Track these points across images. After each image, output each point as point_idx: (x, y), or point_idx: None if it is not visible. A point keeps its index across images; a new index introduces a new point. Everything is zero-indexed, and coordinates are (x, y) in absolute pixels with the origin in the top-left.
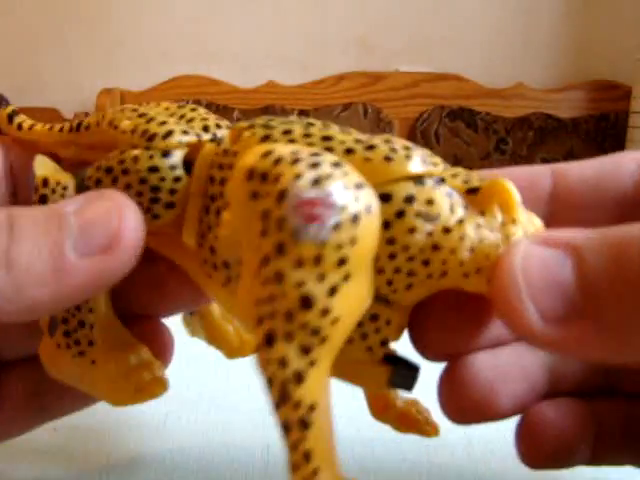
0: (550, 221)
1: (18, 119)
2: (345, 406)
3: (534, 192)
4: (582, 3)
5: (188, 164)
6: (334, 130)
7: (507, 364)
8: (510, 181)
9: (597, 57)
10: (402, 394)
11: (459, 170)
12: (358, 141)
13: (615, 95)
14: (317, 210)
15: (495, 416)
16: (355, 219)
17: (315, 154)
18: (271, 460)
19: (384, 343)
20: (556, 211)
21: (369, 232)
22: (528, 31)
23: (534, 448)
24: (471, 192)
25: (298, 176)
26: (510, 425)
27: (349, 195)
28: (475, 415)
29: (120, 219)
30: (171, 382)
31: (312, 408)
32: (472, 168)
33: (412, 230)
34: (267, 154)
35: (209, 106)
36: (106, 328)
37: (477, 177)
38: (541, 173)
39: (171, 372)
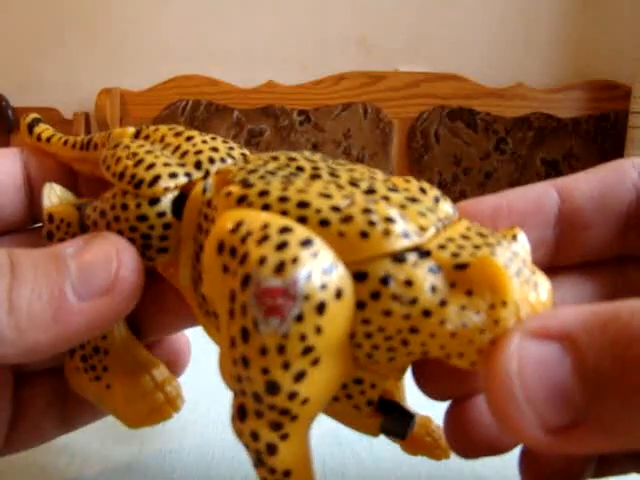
0: (559, 242)
1: (38, 129)
2: None
3: (542, 216)
4: (582, 3)
5: (180, 204)
6: (315, 189)
7: None
8: (507, 245)
9: (597, 57)
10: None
11: (453, 232)
12: (335, 209)
13: (615, 95)
14: (278, 301)
15: (504, 450)
16: (320, 308)
17: (285, 229)
18: None
19: (370, 403)
20: (564, 232)
21: (337, 320)
22: (528, 31)
23: (541, 473)
24: (459, 268)
25: (262, 260)
26: None
27: (315, 282)
28: (483, 451)
29: (119, 263)
30: None
31: (286, 474)
32: (472, 168)
33: (388, 313)
34: (237, 227)
35: (209, 106)
36: (121, 352)
37: (473, 242)
38: (546, 194)
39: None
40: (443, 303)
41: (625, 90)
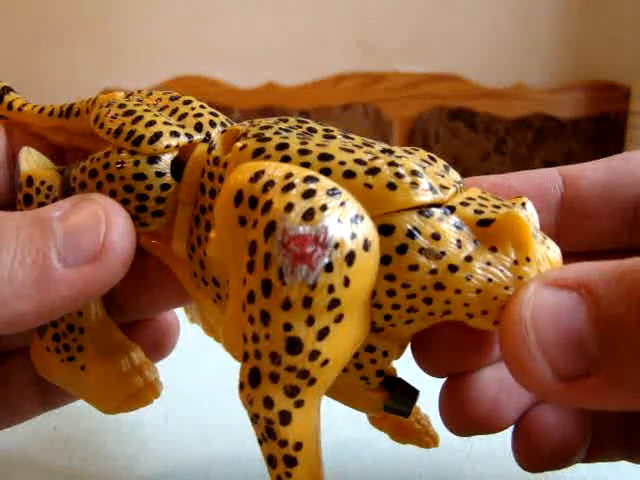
0: (559, 228)
1: (8, 98)
2: (346, 408)
3: (543, 201)
4: (582, 3)
5: (179, 165)
6: (334, 144)
7: (509, 377)
8: (525, 212)
9: (597, 57)
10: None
11: (473, 192)
12: (359, 161)
13: (614, 95)
14: (307, 249)
15: (500, 428)
16: (350, 258)
17: (309, 178)
18: None
19: (380, 373)
20: (566, 218)
21: (365, 272)
22: (528, 31)
23: (533, 452)
24: (483, 224)
25: (289, 207)
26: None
27: (344, 231)
28: (480, 428)
29: (108, 226)
30: (171, 382)
31: (298, 446)
32: (472, 168)
33: (414, 267)
34: (257, 176)
35: (209, 106)
36: (97, 331)
37: (492, 203)
38: (551, 179)
39: (171, 372)
40: (469, 258)
41: (625, 90)
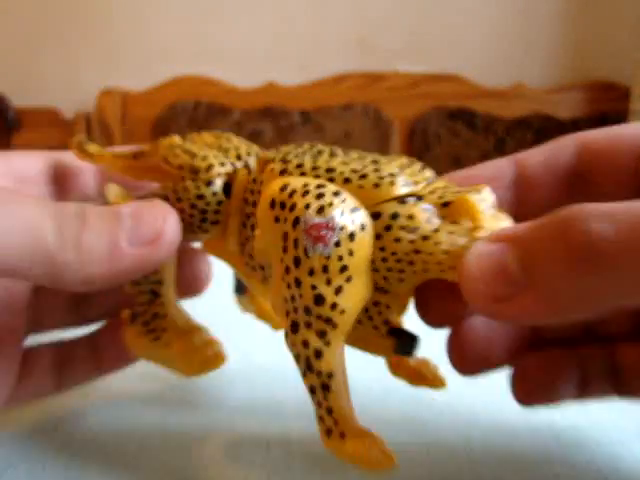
0: (517, 200)
1: (90, 147)
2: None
3: (500, 181)
4: (582, 3)
5: (228, 186)
6: (336, 160)
7: (494, 321)
8: (477, 193)
9: (597, 57)
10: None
11: (438, 185)
12: (354, 171)
13: (614, 95)
14: (322, 232)
15: (494, 364)
16: (352, 236)
17: (320, 186)
18: (271, 460)
19: (386, 322)
20: (522, 194)
21: (363, 245)
22: (528, 31)
23: (526, 390)
24: (445, 205)
25: (307, 206)
26: (508, 428)
27: (346, 218)
28: (478, 364)
29: (164, 221)
30: (171, 382)
31: (330, 376)
32: None
33: (398, 240)
34: (284, 187)
35: (209, 106)
36: (174, 317)
37: (452, 190)
38: (505, 164)
39: (172, 374)
40: (436, 230)
41: (624, 90)
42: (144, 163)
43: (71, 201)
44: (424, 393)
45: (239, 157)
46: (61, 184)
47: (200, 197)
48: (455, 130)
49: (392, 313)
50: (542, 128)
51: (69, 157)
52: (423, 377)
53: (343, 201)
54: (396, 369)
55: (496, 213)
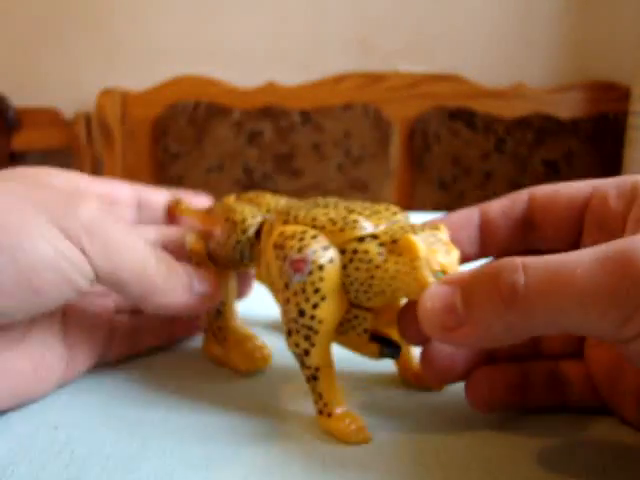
0: (483, 242)
1: (182, 206)
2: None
3: (469, 226)
4: (582, 3)
5: (258, 232)
6: (322, 212)
7: None
8: (416, 236)
9: (597, 57)
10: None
11: (398, 225)
12: (330, 219)
13: (614, 95)
14: (299, 265)
15: (457, 377)
16: (321, 267)
17: (304, 232)
18: (271, 460)
19: (366, 331)
20: (485, 236)
21: (331, 274)
22: (528, 31)
23: (475, 397)
24: (394, 242)
25: (292, 247)
26: (508, 428)
27: (317, 255)
28: (444, 376)
29: (214, 282)
30: (171, 383)
31: (317, 369)
32: (472, 168)
33: (357, 269)
34: (281, 234)
35: (209, 106)
36: (234, 328)
37: (405, 230)
38: (472, 212)
39: (172, 374)
40: (385, 261)
41: (624, 91)
42: (213, 216)
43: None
44: (425, 394)
45: (268, 210)
46: (141, 209)
47: (239, 242)
48: (455, 130)
49: (368, 323)
50: (542, 128)
51: (149, 191)
52: (424, 380)
53: (317, 242)
54: (403, 374)
55: (448, 248)
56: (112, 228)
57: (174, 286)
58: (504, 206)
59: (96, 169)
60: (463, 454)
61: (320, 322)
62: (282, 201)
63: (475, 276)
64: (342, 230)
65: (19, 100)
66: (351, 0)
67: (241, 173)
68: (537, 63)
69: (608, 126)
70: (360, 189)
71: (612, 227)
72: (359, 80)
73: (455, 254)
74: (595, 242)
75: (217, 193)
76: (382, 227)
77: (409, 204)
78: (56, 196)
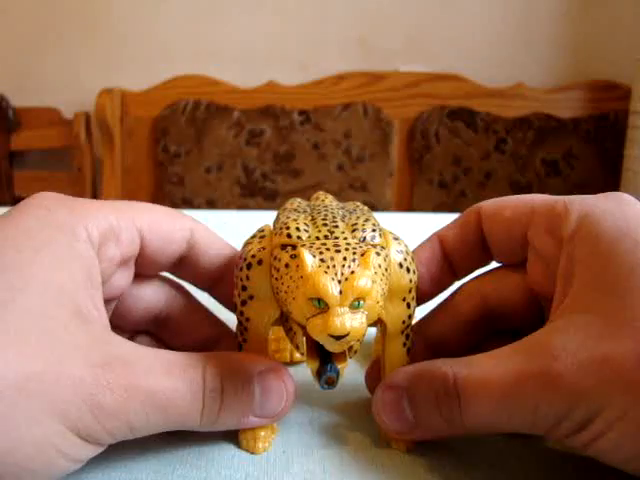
0: (449, 267)
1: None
2: (346, 407)
3: (431, 252)
4: (582, 3)
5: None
6: (287, 219)
7: None
8: (305, 251)
9: (597, 57)
10: None
11: (330, 242)
12: (280, 224)
13: (615, 95)
14: (238, 261)
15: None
16: (249, 266)
17: (261, 237)
18: (271, 460)
19: (297, 347)
20: (447, 258)
21: (257, 273)
22: (528, 31)
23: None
24: (293, 256)
25: (241, 255)
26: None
27: (250, 253)
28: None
29: (287, 399)
30: None
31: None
32: (472, 168)
33: (272, 275)
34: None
35: (209, 106)
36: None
37: (338, 245)
38: (434, 242)
39: None
40: (286, 273)
41: (625, 90)
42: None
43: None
44: None
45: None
46: (191, 252)
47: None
48: (455, 130)
49: (298, 339)
50: (542, 128)
51: (202, 231)
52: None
53: (259, 243)
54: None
55: (365, 270)
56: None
57: (227, 422)
58: (456, 235)
59: (95, 169)
60: (467, 457)
61: (247, 320)
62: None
63: (415, 378)
64: (275, 234)
65: (19, 100)
66: (351, 0)
67: (241, 173)
68: (537, 63)
69: (608, 126)
70: (360, 189)
71: (550, 254)
72: (359, 80)
73: (358, 279)
74: (535, 263)
75: (217, 193)
76: (305, 239)
77: (409, 204)
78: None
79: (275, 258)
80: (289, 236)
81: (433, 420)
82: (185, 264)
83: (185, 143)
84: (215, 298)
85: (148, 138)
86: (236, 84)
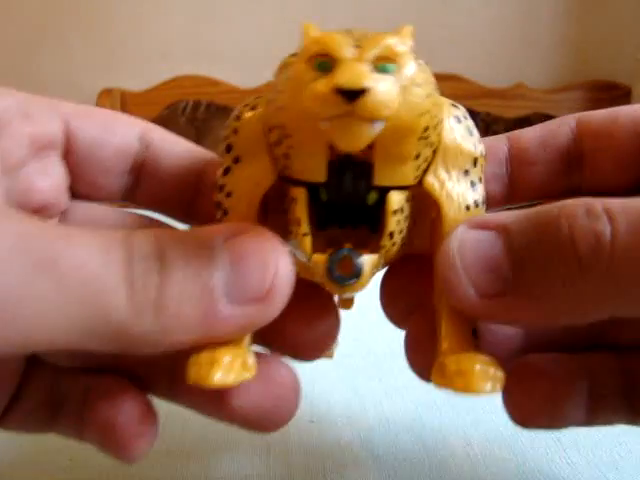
0: (511, 177)
1: None
2: (346, 408)
3: (493, 155)
4: (582, 3)
5: None
6: None
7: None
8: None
9: (597, 57)
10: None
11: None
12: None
13: (615, 95)
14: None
15: None
16: (238, 117)
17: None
18: (271, 461)
19: (300, 242)
20: (514, 168)
21: (247, 124)
22: (528, 31)
23: (525, 401)
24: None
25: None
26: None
27: (242, 105)
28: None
29: (276, 269)
30: None
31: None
32: None
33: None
34: None
35: (209, 106)
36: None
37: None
38: (498, 141)
39: None
40: (286, 66)
41: (625, 90)
42: None
43: (144, 229)
44: (425, 394)
45: None
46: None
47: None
48: None
49: (297, 213)
50: None
51: (159, 130)
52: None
53: (253, 100)
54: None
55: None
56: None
57: (181, 310)
58: (542, 135)
59: None
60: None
61: (229, 195)
62: None
63: (527, 221)
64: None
65: None
66: (351, 0)
67: None
68: (537, 63)
69: None
70: None
71: None
72: None
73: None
74: None
75: None
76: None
77: None
78: None
79: (274, 77)
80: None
81: (549, 284)
82: (143, 176)
83: None
84: (194, 225)
85: None
86: (236, 84)
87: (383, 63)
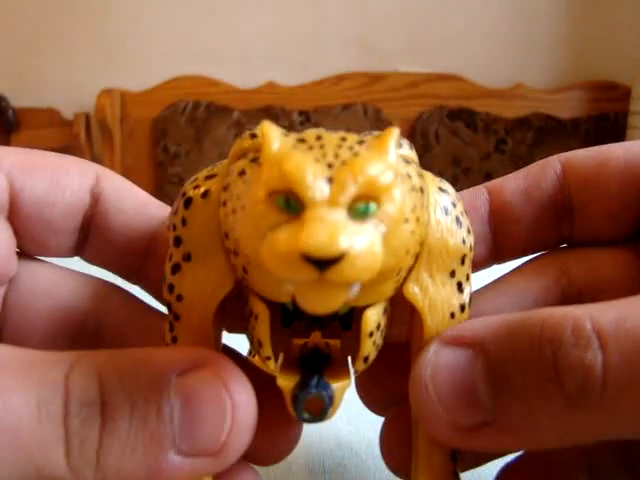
0: (495, 236)
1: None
2: (345, 407)
3: (474, 211)
4: (582, 3)
5: None
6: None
7: None
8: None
9: (597, 57)
10: None
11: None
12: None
13: (615, 95)
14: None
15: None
16: (187, 203)
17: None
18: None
19: (260, 344)
20: (498, 226)
21: (199, 215)
22: (528, 31)
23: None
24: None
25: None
26: None
27: (190, 187)
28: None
29: (234, 423)
30: None
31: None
32: (472, 168)
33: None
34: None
35: (209, 106)
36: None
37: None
38: (478, 194)
39: None
40: (242, 173)
41: (625, 90)
42: None
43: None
44: None
45: None
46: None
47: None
48: (455, 130)
49: (259, 328)
50: (542, 128)
51: (113, 178)
52: None
53: (205, 172)
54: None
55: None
56: None
57: (123, 465)
58: (526, 185)
59: None
60: None
61: (179, 299)
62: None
63: (509, 337)
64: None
65: (19, 100)
66: (351, 0)
67: None
68: (537, 63)
69: (608, 126)
70: None
71: None
72: (359, 80)
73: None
74: None
75: None
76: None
77: None
78: None
79: (229, 175)
80: (254, 136)
81: (533, 404)
82: (92, 234)
83: (185, 143)
84: (145, 289)
85: (148, 138)
86: (236, 84)
87: (362, 203)
